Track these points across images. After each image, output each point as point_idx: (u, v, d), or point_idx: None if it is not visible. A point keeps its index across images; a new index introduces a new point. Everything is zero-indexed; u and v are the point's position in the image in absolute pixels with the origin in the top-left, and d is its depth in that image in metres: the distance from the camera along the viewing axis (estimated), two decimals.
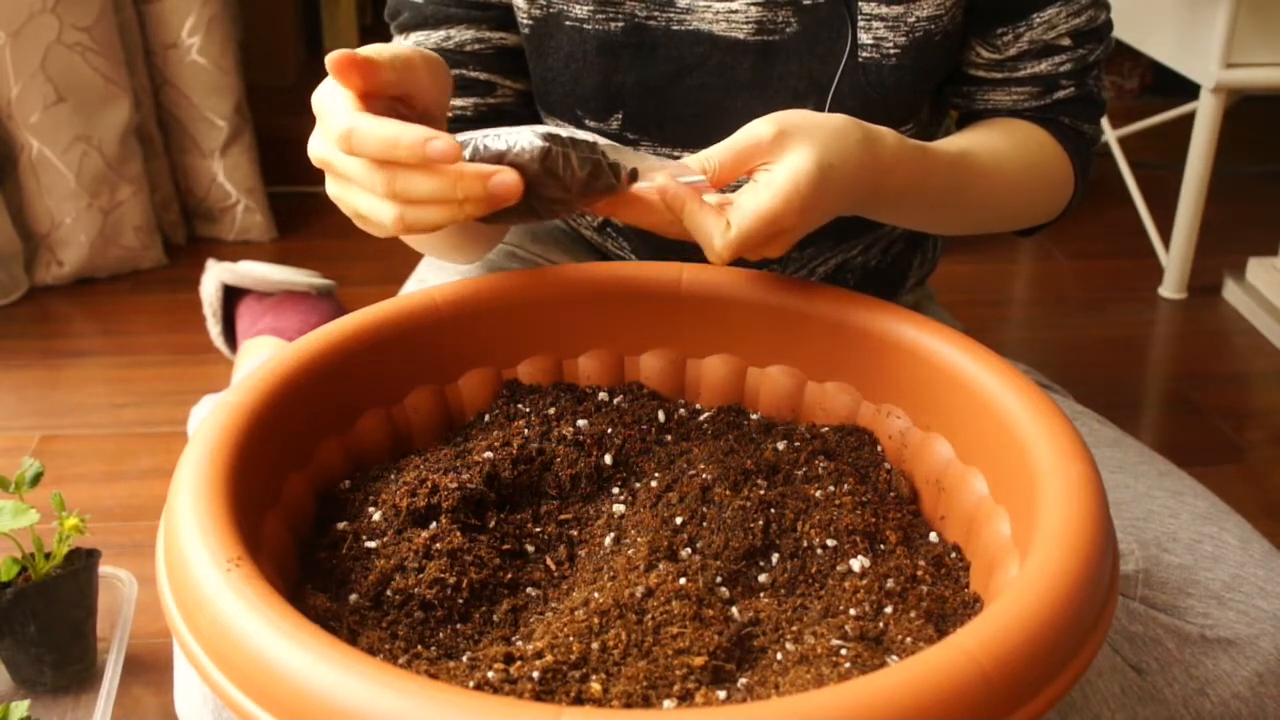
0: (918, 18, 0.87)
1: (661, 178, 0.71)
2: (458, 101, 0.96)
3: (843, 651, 0.60)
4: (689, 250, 0.96)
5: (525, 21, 0.92)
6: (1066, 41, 0.92)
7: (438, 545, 0.67)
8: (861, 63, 0.88)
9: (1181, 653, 0.81)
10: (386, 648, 0.61)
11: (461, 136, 0.70)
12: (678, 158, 0.76)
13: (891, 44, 0.87)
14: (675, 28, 0.89)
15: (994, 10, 0.90)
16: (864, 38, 0.87)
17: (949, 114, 1.04)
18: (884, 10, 0.86)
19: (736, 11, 0.88)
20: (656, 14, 0.89)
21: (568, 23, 0.90)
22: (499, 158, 0.68)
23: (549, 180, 0.69)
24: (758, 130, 0.72)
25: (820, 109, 0.89)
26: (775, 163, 0.71)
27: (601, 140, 0.71)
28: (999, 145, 0.89)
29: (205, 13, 1.89)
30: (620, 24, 0.89)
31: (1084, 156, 0.96)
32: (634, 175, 0.72)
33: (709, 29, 0.89)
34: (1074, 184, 0.96)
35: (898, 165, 0.77)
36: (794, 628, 0.63)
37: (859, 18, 0.87)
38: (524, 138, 0.68)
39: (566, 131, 0.70)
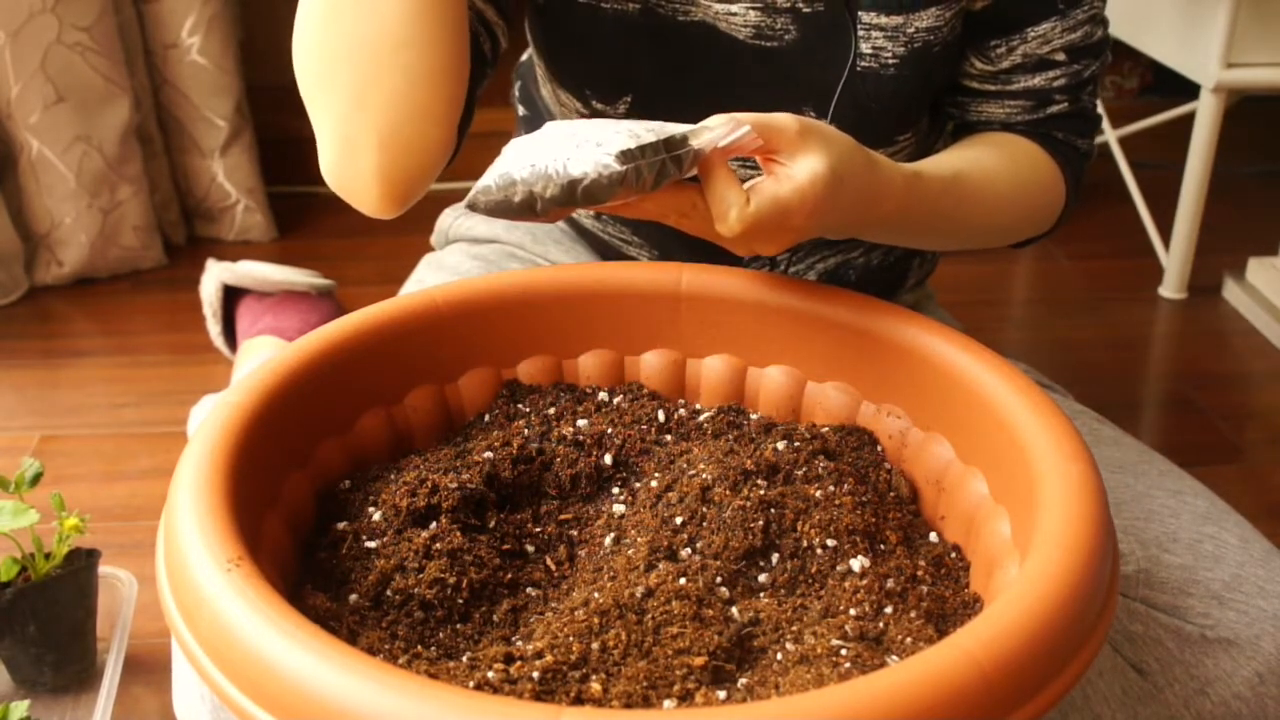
0: (917, 28, 0.86)
1: (709, 136, 0.68)
2: None
3: (843, 651, 0.60)
4: (689, 243, 0.97)
5: None
6: (1061, 56, 0.91)
7: (438, 545, 0.67)
8: (860, 72, 0.88)
9: (1182, 653, 0.81)
10: (386, 648, 0.61)
11: (535, 143, 0.67)
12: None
13: (890, 54, 0.87)
14: (681, 19, 0.89)
15: (988, 22, 0.90)
16: (863, 47, 0.87)
17: (947, 125, 1.04)
18: (883, 20, 0.86)
19: (735, 14, 0.88)
20: (664, 3, 0.89)
21: (582, 0, 0.89)
22: (573, 186, 0.65)
23: (614, 194, 0.66)
24: (783, 120, 0.70)
25: (821, 117, 0.89)
26: (793, 160, 0.70)
27: (654, 126, 0.68)
28: (991, 164, 0.89)
29: (205, 13, 1.89)
30: (637, 6, 0.89)
31: (1077, 171, 0.96)
32: (696, 158, 0.68)
33: (713, 23, 0.89)
34: (1066, 199, 0.96)
35: (891, 193, 0.77)
36: (794, 628, 0.63)
37: (858, 27, 0.87)
38: (600, 160, 0.65)
39: (627, 132, 0.67)
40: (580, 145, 0.66)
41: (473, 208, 0.69)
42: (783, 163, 0.70)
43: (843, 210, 0.73)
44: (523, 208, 0.67)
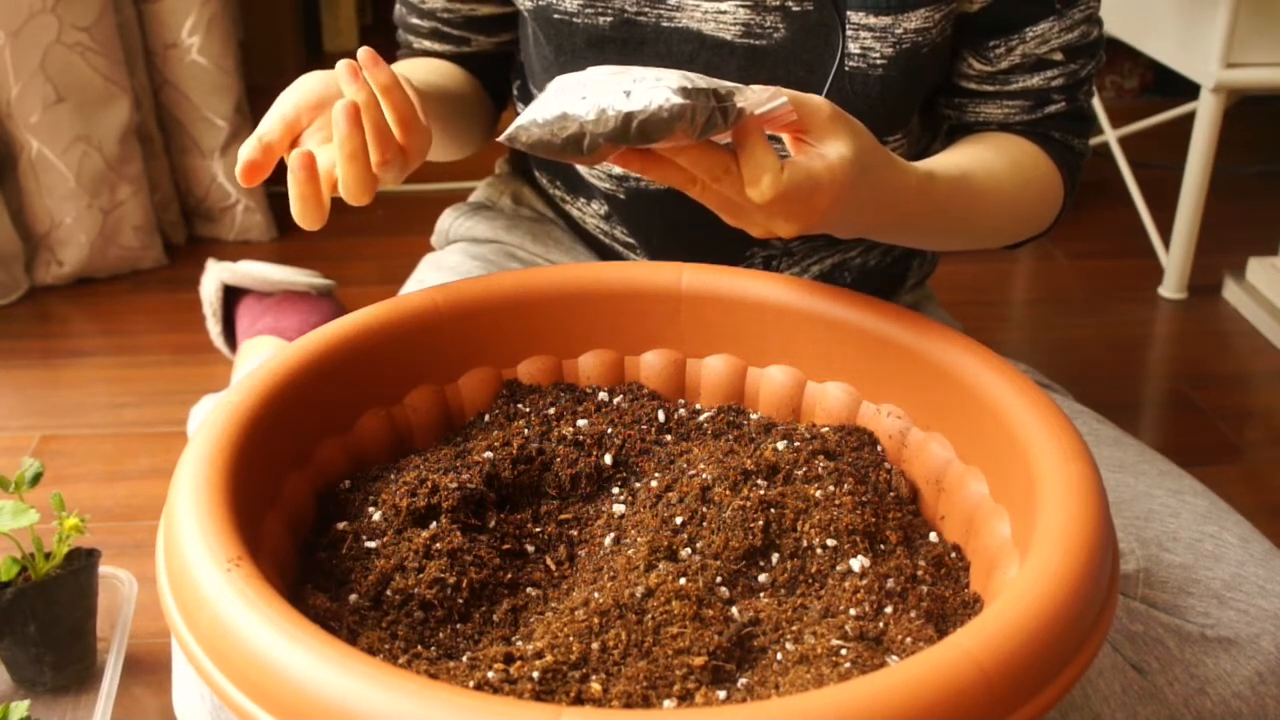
0: (905, 29, 0.87)
1: (752, 97, 0.67)
2: (435, 46, 1.04)
3: (843, 651, 0.60)
4: (687, 243, 0.97)
5: (526, 5, 0.93)
6: (1059, 56, 0.91)
7: (438, 545, 0.67)
8: (848, 72, 0.88)
9: (1182, 652, 0.81)
10: (386, 648, 0.61)
11: (585, 80, 0.66)
12: None
13: (878, 54, 0.87)
14: (665, 24, 0.90)
15: (986, 22, 0.90)
16: (851, 47, 0.87)
17: (942, 127, 1.04)
18: (872, 20, 0.86)
19: (725, 12, 0.88)
20: (647, 10, 0.89)
21: (556, 15, 0.91)
22: (628, 120, 0.63)
23: (669, 132, 0.64)
24: (817, 101, 0.70)
25: None
26: (822, 143, 0.70)
27: (701, 77, 0.67)
28: (995, 165, 0.89)
29: (205, 13, 1.89)
30: (609, 19, 0.90)
31: (1073, 170, 0.96)
32: (739, 116, 0.67)
33: (698, 27, 0.89)
34: (1063, 199, 0.96)
35: (905, 196, 0.77)
36: (794, 628, 0.63)
37: (846, 27, 0.87)
38: (660, 94, 0.63)
39: (680, 75, 0.66)
40: (638, 80, 0.65)
41: (512, 142, 0.68)
42: (812, 143, 0.70)
43: (860, 203, 0.73)
44: (568, 144, 0.65)
